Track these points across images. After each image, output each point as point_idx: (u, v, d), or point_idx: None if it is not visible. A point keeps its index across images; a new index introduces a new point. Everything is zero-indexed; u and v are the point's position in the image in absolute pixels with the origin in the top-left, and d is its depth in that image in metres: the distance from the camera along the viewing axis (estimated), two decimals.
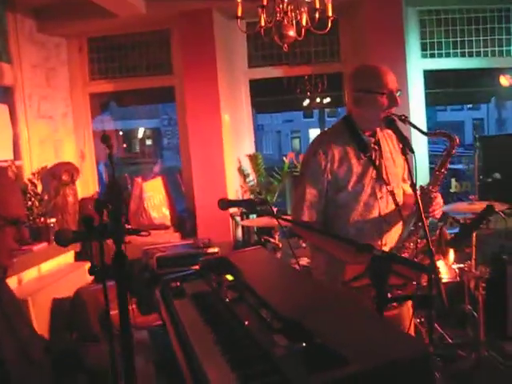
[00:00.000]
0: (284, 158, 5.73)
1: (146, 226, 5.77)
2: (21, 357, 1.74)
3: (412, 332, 3.07)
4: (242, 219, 5.34)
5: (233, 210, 5.47)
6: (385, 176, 2.67)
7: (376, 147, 2.69)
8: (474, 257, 4.03)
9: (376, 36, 5.29)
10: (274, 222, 4.18)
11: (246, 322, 1.73)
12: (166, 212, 5.76)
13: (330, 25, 3.61)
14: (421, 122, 5.57)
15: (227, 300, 1.99)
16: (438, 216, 2.69)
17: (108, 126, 8.90)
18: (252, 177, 5.76)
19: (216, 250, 4.93)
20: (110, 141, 2.08)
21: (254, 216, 5.26)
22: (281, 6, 3.59)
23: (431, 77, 5.68)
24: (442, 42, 5.61)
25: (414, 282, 2.36)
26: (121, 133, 23.48)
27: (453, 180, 5.95)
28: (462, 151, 6.60)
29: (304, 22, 3.65)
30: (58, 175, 5.34)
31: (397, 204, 2.70)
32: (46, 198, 5.12)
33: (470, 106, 27.68)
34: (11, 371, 1.67)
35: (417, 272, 2.37)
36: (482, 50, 5.63)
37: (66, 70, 5.89)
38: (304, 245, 4.58)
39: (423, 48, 5.62)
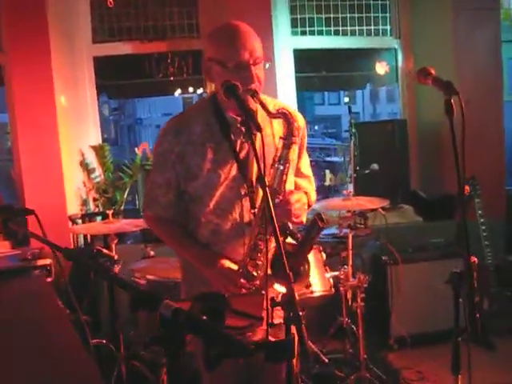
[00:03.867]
0: (136, 150, 4.86)
1: None
2: None
3: None
4: (84, 222, 4.44)
5: (72, 211, 4.56)
6: (255, 168, 2.04)
7: (243, 129, 1.99)
8: (350, 262, 3.43)
9: (239, 10, 4.56)
10: (109, 227, 3.35)
11: None
12: None
13: None
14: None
15: None
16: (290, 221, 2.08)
17: None
18: (98, 172, 4.85)
19: (48, 261, 4.01)
20: None
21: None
22: None
23: (302, 58, 5.07)
24: (314, 18, 5.01)
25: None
26: None
27: (327, 172, 5.40)
28: (337, 143, 6.10)
29: None
30: None
31: (253, 206, 2.07)
32: None
33: (347, 100, 28.16)
34: None
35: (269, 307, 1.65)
36: (357, 28, 5.11)
37: None
38: (152, 253, 3.79)
39: (293, 24, 4.98)
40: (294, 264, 1.95)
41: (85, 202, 4.77)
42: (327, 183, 5.30)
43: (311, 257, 3.18)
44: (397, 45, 5.16)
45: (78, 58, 4.80)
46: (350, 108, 4.11)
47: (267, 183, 1.73)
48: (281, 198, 2.00)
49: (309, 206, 2.22)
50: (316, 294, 3.18)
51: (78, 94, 4.82)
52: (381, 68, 5.73)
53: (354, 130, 4.03)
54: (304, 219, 2.14)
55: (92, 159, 4.84)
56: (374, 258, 4.22)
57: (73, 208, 4.63)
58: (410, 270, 4.06)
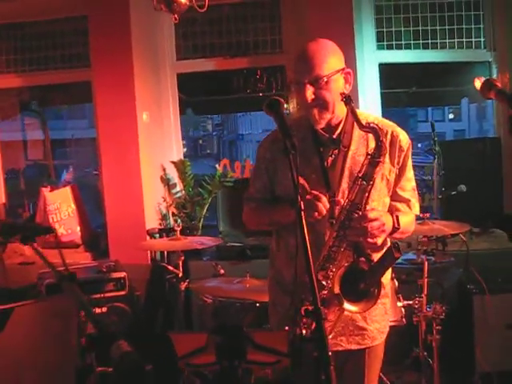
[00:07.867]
0: (217, 166, 4.85)
1: (53, 244, 4.87)
2: None
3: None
4: (161, 237, 4.44)
5: (151, 225, 4.60)
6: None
7: (333, 148, 2.14)
8: (425, 292, 3.19)
9: (321, 24, 4.44)
10: (174, 244, 3.32)
11: None
12: (77, 228, 4.87)
13: None
14: None
15: None
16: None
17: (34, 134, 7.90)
18: (180, 187, 4.88)
19: (122, 274, 4.05)
20: None
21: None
22: None
23: (390, 74, 4.86)
24: (402, 30, 4.78)
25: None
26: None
27: None
28: (423, 159, 5.81)
29: None
30: None
31: (332, 216, 2.05)
32: None
33: (451, 116, 27.09)
34: None
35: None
36: (447, 41, 4.81)
37: None
38: (222, 271, 3.70)
39: (379, 38, 4.78)
40: (366, 285, 1.94)
41: (164, 217, 4.81)
42: None
43: None
44: (491, 58, 4.80)
45: (162, 75, 4.89)
46: (432, 125, 3.86)
47: (347, 198, 1.96)
48: (360, 213, 1.97)
49: (396, 228, 2.08)
50: None
51: (161, 110, 4.89)
52: (480, 84, 5.37)
53: (437, 149, 3.78)
54: (380, 241, 2.03)
55: (174, 174, 4.89)
56: (458, 286, 3.92)
57: (152, 222, 4.68)
58: (498, 301, 3.72)
